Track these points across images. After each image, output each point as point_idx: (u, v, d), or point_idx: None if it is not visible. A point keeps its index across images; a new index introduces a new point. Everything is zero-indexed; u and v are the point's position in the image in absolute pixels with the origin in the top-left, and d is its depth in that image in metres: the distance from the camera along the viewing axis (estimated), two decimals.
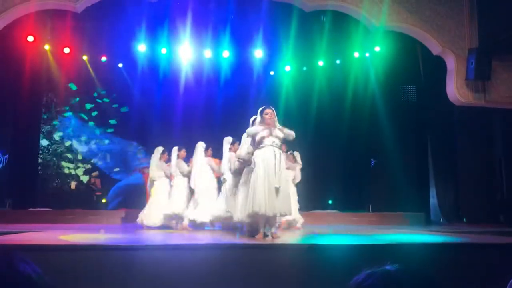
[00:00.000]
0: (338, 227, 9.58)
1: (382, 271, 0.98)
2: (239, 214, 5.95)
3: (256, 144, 5.64)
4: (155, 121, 13.16)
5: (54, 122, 13.05)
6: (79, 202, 11.74)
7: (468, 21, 8.28)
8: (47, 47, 12.06)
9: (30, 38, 11.30)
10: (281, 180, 5.40)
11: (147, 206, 8.71)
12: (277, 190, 5.34)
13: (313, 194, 12.88)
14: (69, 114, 13.16)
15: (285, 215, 5.50)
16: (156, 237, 6.14)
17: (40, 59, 12.14)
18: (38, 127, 12.80)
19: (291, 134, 5.65)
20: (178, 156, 8.60)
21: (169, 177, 8.63)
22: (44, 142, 12.87)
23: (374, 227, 9.25)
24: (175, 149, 8.66)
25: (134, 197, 12.95)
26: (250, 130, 5.78)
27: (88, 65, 12.82)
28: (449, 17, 8.28)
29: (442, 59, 8.47)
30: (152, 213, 8.47)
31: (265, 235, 5.51)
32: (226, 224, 7.88)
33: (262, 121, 5.67)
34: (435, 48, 8.33)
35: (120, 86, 13.19)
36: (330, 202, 13.29)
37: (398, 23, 8.22)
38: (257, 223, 5.64)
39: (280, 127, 5.67)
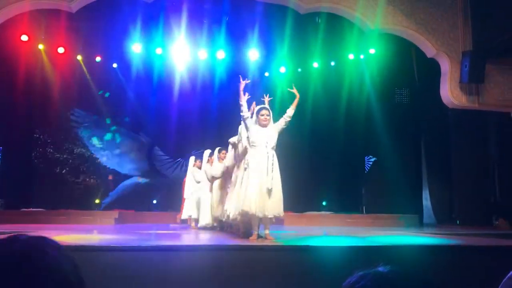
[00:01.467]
0: (332, 228, 9.59)
1: (374, 272, 0.97)
2: (232, 214, 5.94)
3: (250, 144, 5.63)
4: (150, 120, 13.16)
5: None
6: (72, 203, 11.69)
7: (462, 24, 8.31)
8: (41, 46, 12.01)
9: (24, 38, 11.25)
10: (274, 181, 5.39)
11: (203, 207, 8.65)
12: (269, 191, 5.33)
13: (307, 196, 12.92)
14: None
15: (278, 216, 5.48)
16: (149, 238, 6.12)
17: (34, 58, 12.09)
18: (32, 127, 12.73)
19: (290, 113, 5.70)
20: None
21: (211, 181, 8.57)
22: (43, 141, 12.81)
23: (368, 229, 9.27)
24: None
25: (130, 197, 12.98)
26: (246, 130, 5.78)
27: (83, 65, 12.77)
28: (443, 20, 8.30)
29: (436, 61, 8.49)
30: (204, 214, 8.47)
31: (259, 236, 5.50)
32: (221, 225, 7.93)
33: (257, 121, 5.67)
34: (429, 50, 8.36)
35: (114, 86, 13.16)
36: (324, 203, 13.31)
37: (393, 25, 8.23)
38: (250, 223, 5.64)
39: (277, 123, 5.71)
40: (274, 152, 5.55)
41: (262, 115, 5.65)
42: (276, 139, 5.62)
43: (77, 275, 0.98)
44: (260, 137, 5.55)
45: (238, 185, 5.79)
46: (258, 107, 5.78)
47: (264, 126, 5.62)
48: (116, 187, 13.23)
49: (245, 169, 5.55)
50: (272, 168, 5.41)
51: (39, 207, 11.15)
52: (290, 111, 5.73)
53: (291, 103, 5.87)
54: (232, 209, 5.91)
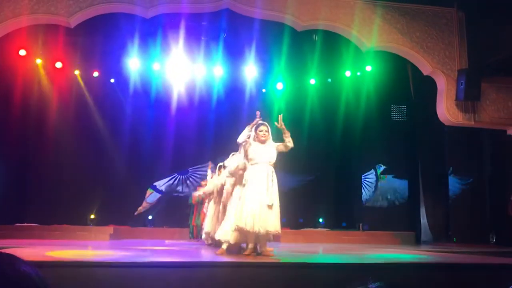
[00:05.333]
0: (328, 245, 9.54)
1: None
2: (228, 233, 5.87)
3: (249, 161, 5.61)
4: (147, 136, 13.14)
5: None
6: (66, 218, 11.59)
7: (458, 42, 8.39)
8: (39, 61, 12.02)
9: (22, 52, 11.26)
10: (273, 197, 5.37)
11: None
12: (269, 207, 5.31)
13: (304, 213, 12.87)
14: None
15: (276, 232, 5.44)
16: (145, 254, 6.07)
17: (31, 73, 12.09)
18: (28, 141, 12.65)
19: (289, 144, 5.62)
20: None
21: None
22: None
23: (364, 246, 9.23)
24: None
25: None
26: (244, 146, 5.75)
27: (80, 80, 12.77)
28: (439, 38, 8.39)
29: (432, 79, 8.55)
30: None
31: (257, 253, 5.46)
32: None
33: (256, 138, 5.66)
34: (425, 68, 8.42)
35: (112, 101, 13.14)
36: (321, 220, 13.26)
37: (389, 43, 8.31)
38: (241, 241, 5.59)
39: (277, 143, 5.69)
40: (273, 169, 5.53)
41: (261, 131, 5.63)
42: (275, 156, 5.60)
43: (43, 282, 0.99)
44: (259, 154, 5.53)
45: (236, 202, 5.75)
46: (256, 121, 5.75)
47: (263, 142, 5.60)
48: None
49: (244, 185, 5.52)
50: (272, 184, 5.39)
51: (33, 222, 11.07)
52: (290, 143, 5.64)
53: (286, 120, 5.83)
54: (228, 228, 5.83)
